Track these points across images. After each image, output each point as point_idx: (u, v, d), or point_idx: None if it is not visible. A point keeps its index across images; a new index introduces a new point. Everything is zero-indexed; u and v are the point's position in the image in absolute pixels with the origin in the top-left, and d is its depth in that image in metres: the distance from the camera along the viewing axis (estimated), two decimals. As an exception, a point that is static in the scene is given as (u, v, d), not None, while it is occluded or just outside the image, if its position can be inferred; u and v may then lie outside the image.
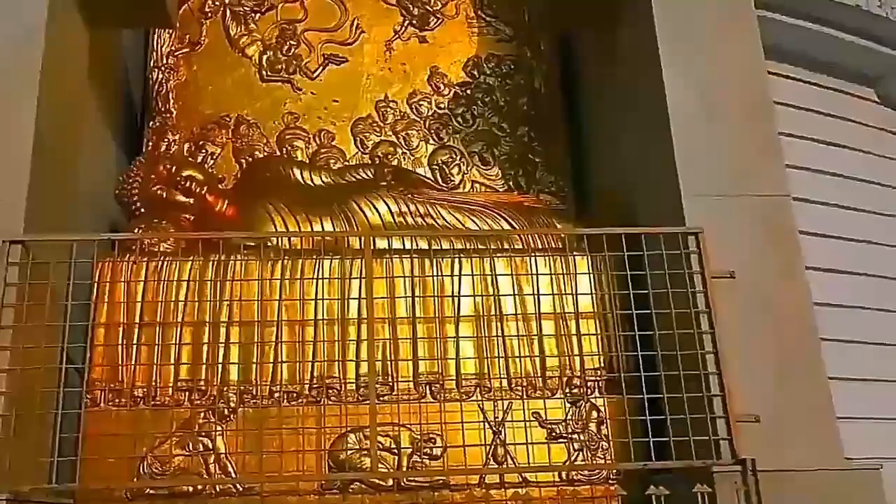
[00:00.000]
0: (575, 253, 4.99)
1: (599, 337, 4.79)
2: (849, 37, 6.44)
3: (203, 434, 4.45)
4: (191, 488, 4.28)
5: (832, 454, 4.15)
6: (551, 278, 4.85)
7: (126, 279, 4.70)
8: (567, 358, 4.73)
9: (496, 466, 4.50)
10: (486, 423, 4.59)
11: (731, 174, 4.68)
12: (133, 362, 4.47)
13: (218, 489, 4.31)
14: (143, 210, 5.49)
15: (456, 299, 4.83)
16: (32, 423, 3.85)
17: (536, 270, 4.83)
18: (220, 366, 4.57)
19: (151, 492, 4.24)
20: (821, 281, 5.05)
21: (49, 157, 4.53)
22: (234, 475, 4.37)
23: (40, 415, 3.90)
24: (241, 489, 4.33)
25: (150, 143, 6.28)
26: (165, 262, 4.80)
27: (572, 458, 4.60)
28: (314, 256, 4.92)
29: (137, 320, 4.59)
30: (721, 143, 4.72)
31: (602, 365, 4.76)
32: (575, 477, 4.57)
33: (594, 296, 4.87)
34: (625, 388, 4.39)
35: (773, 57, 5.38)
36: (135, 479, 4.24)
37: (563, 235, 5.31)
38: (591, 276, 4.92)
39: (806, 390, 4.29)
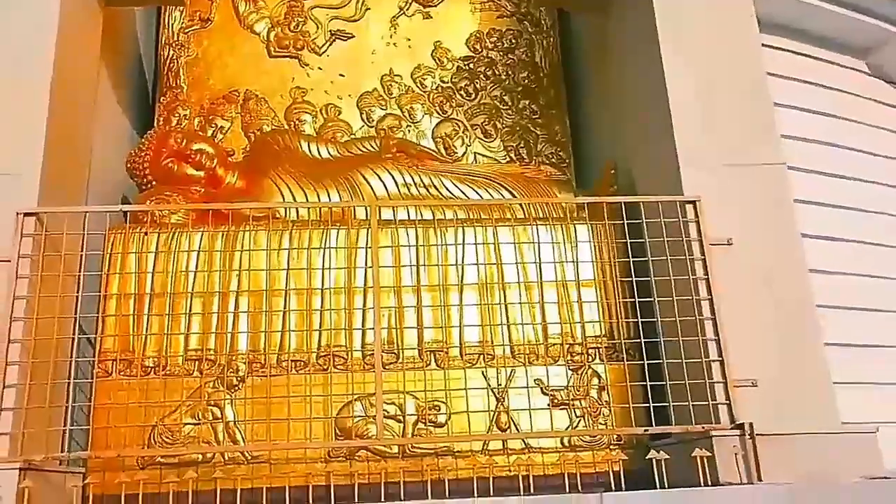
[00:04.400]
0: (576, 222, 4.85)
1: (600, 304, 4.63)
2: (840, 8, 6.19)
3: (212, 403, 4.30)
4: (200, 456, 4.13)
5: (829, 418, 4.00)
6: (553, 247, 4.68)
7: (137, 250, 4.53)
8: (568, 325, 4.56)
9: (499, 433, 4.35)
10: (490, 391, 4.44)
11: (728, 144, 4.50)
12: (144, 332, 4.31)
13: (227, 457, 4.16)
14: (153, 183, 5.31)
15: (459, 268, 4.66)
16: (45, 393, 3.69)
17: (538, 239, 4.66)
18: (229, 335, 4.40)
19: (161, 460, 4.09)
20: (816, 248, 4.88)
21: (62, 132, 4.37)
22: (242, 443, 4.23)
23: (53, 385, 3.74)
24: (249, 457, 4.18)
25: (161, 118, 6.11)
26: (176, 234, 4.62)
27: (574, 425, 4.45)
28: (321, 227, 4.76)
29: (148, 291, 4.41)
30: (718, 114, 4.54)
31: (603, 332, 4.61)
32: (576, 443, 4.42)
33: (595, 264, 4.72)
34: (625, 354, 4.26)
35: (765, 29, 5.15)
36: (145, 448, 4.09)
37: (564, 204, 5.20)
38: (592, 244, 4.77)
39: (803, 356, 4.13)
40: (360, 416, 4.31)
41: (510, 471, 4.22)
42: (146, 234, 4.56)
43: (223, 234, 4.61)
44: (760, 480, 3.64)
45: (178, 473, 3.68)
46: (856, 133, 6.08)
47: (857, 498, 3.48)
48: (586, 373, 4.54)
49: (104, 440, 4.02)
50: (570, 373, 4.53)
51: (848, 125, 6.05)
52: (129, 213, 4.67)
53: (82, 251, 4.14)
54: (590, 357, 4.53)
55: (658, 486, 3.61)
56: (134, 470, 3.51)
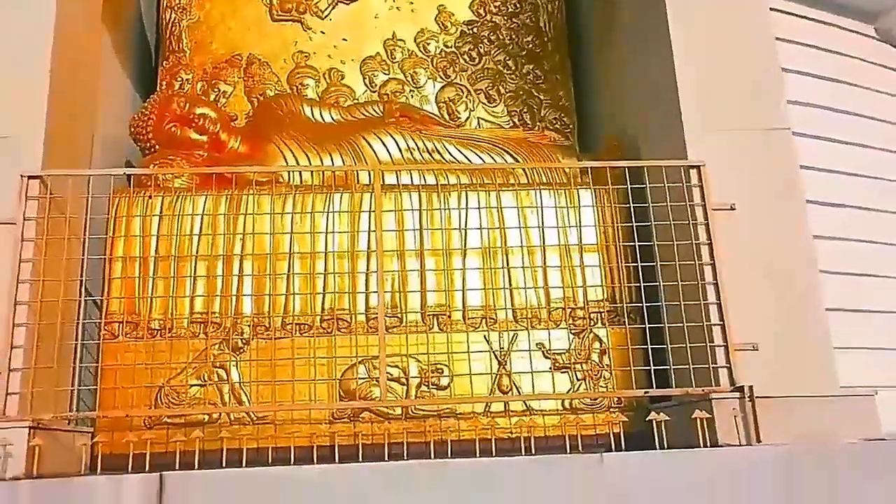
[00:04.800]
0: (579, 186, 4.83)
1: (603, 269, 4.64)
2: (850, -28, 6.11)
3: (217, 366, 4.33)
4: (206, 417, 4.18)
5: (828, 382, 4.03)
6: (556, 211, 4.67)
7: (141, 214, 4.53)
8: (571, 290, 4.58)
9: (501, 395, 4.38)
10: (492, 354, 4.47)
11: (734, 108, 4.47)
12: (149, 295, 4.33)
13: (232, 418, 4.21)
14: (157, 147, 5.29)
15: (463, 232, 4.67)
16: (52, 354, 3.72)
17: (541, 204, 4.66)
18: (233, 298, 4.43)
19: (168, 420, 4.14)
20: (820, 213, 4.86)
21: (65, 96, 4.35)
22: (248, 405, 4.26)
23: (60, 346, 3.77)
24: (254, 418, 4.23)
25: (164, 83, 6.05)
26: (180, 198, 4.63)
27: (575, 388, 4.49)
28: (325, 191, 4.76)
29: (153, 254, 4.43)
30: (724, 78, 4.50)
31: (605, 297, 4.62)
32: (577, 406, 4.47)
33: (598, 228, 4.72)
34: (627, 318, 4.28)
35: (773, -8, 5.11)
36: (152, 409, 4.13)
37: (567, 169, 5.18)
38: (595, 209, 4.76)
39: (804, 320, 4.15)
40: (363, 379, 4.34)
41: (512, 433, 4.27)
42: (150, 197, 4.56)
43: (227, 198, 4.60)
44: (759, 442, 3.67)
45: (184, 433, 3.71)
46: (862, 98, 6.03)
47: (854, 459, 3.51)
48: (588, 337, 4.57)
49: (111, 401, 4.06)
50: (571, 337, 4.57)
51: (854, 90, 5.99)
52: (132, 177, 4.66)
53: (87, 215, 4.15)
54: (592, 321, 4.56)
55: (658, 448, 3.64)
56: (141, 430, 3.54)
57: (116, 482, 3.06)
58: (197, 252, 4.48)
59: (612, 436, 4.03)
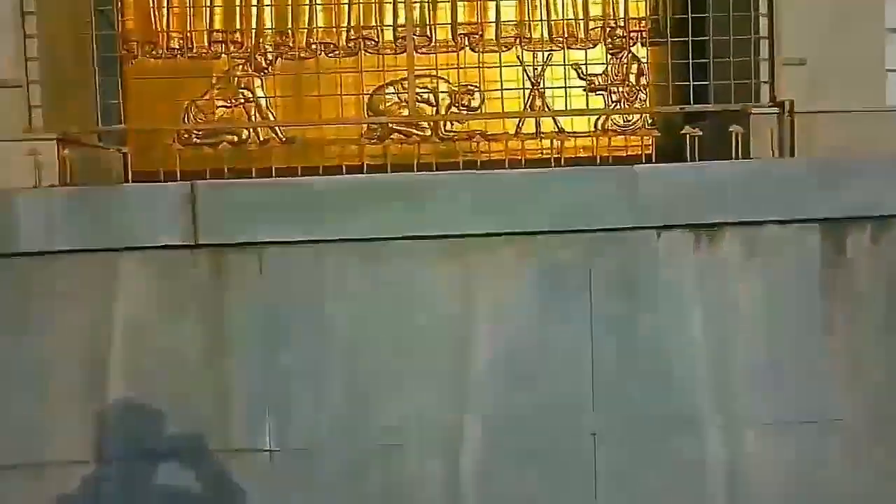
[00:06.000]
0: None
1: (646, -17, 4.31)
2: None
3: (243, 87, 4.22)
4: (235, 137, 4.13)
5: (876, 101, 3.82)
6: (596, -79, 4.26)
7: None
8: (611, 6, 4.28)
9: (533, 112, 4.24)
10: (525, 75, 4.28)
11: None
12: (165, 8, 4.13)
13: (261, 138, 4.16)
14: None
15: (496, -56, 4.30)
16: (71, 65, 3.61)
17: (581, -87, 4.25)
18: (254, 15, 4.21)
19: (197, 141, 4.10)
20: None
21: None
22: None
23: (80, 58, 3.64)
24: (283, 137, 4.17)
25: None
26: None
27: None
28: None
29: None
30: None
31: (647, 13, 4.32)
32: (610, 127, 4.34)
33: (642, -63, 4.32)
34: (669, 29, 3.99)
35: None
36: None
37: None
38: (639, -85, 4.34)
39: (859, 38, 3.85)
40: (392, 100, 4.22)
41: (542, 154, 4.20)
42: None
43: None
44: (793, 156, 3.57)
45: (214, 151, 3.68)
46: None
47: (890, 170, 3.38)
48: (626, 57, 4.34)
49: (138, 119, 4.01)
50: (608, 56, 4.35)
51: None
52: None
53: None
54: (631, 40, 4.30)
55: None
56: (171, 156, 3.48)
57: (150, 190, 3.06)
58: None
59: (643, 157, 3.94)
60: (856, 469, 3.34)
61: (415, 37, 4.01)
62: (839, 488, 3.34)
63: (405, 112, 4.10)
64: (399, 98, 4.20)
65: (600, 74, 4.32)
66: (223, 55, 4.22)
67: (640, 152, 4.09)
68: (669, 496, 3.29)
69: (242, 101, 4.18)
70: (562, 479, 3.24)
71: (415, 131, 4.21)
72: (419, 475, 3.20)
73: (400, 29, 4.19)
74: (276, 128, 4.22)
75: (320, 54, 4.17)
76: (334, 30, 4.22)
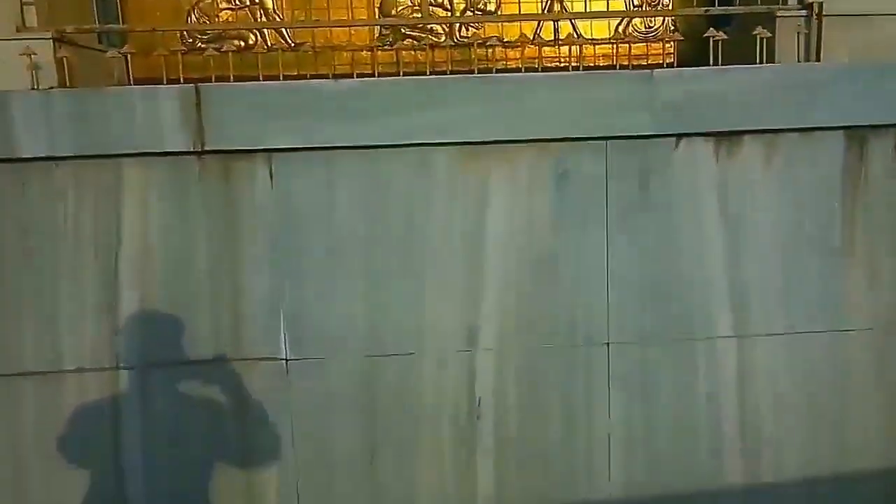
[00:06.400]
0: None
1: None
2: None
3: (248, -11, 4.06)
4: (242, 43, 3.99)
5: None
6: None
7: None
8: None
9: (551, 14, 4.07)
10: (543, -23, 4.10)
11: None
12: None
13: (268, 43, 4.01)
14: None
15: None
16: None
17: None
18: None
19: (202, 45, 3.96)
20: None
21: None
22: (285, 31, 4.04)
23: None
24: (292, 43, 4.02)
25: None
26: None
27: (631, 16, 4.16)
28: None
29: None
30: None
31: None
32: (630, 33, 4.17)
33: None
34: None
35: None
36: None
37: None
38: None
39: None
40: (405, 2, 4.05)
41: (560, 62, 4.05)
42: None
43: None
44: (819, 61, 3.44)
45: (218, 57, 3.54)
46: None
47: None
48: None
49: (139, 23, 3.87)
50: (629, -42, 4.16)
51: None
52: None
53: None
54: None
55: (713, 67, 3.42)
56: (173, 62, 3.35)
57: (153, 92, 2.96)
58: None
59: (664, 66, 3.78)
60: (866, 380, 3.33)
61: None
62: (849, 399, 3.33)
63: (419, 15, 3.95)
64: (412, 1, 4.04)
65: (621, -24, 4.13)
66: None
67: (661, 60, 3.93)
68: (682, 403, 3.29)
69: (248, 3, 4.02)
70: (575, 387, 3.24)
71: (428, 36, 4.05)
72: (433, 383, 3.20)
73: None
74: (284, 32, 4.06)
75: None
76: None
